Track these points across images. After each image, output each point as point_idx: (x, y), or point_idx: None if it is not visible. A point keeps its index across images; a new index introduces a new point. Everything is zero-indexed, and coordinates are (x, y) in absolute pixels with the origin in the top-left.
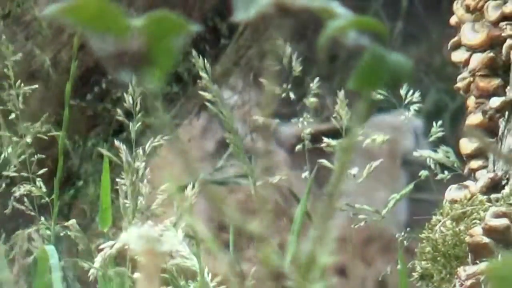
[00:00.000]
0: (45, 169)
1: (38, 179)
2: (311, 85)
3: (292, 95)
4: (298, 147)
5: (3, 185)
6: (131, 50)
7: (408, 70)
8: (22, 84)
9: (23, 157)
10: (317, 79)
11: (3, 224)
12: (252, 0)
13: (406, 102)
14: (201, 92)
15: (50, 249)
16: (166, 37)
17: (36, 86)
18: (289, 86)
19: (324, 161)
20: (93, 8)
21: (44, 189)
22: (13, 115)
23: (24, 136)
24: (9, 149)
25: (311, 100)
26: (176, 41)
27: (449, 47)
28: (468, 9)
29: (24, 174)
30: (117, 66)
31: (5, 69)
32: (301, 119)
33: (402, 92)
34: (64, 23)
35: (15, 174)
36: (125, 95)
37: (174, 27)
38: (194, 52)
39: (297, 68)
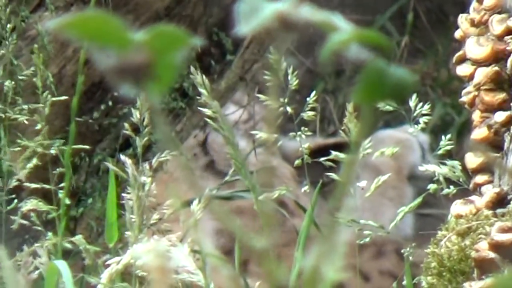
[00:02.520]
0: (52, 184)
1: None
2: (307, 99)
3: (289, 109)
4: (298, 161)
5: (14, 201)
6: (133, 64)
7: (411, 84)
8: (49, 96)
9: (27, 171)
10: (313, 92)
11: (9, 239)
12: (254, 14)
13: (415, 114)
14: (201, 108)
15: (61, 264)
16: (169, 51)
17: (66, 97)
18: (286, 100)
19: (332, 174)
20: (96, 21)
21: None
22: (38, 126)
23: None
24: (15, 164)
25: (308, 114)
26: (179, 55)
27: (453, 61)
28: (472, 23)
29: (30, 187)
30: (119, 81)
31: (19, 82)
32: (299, 133)
33: (411, 104)
34: (67, 37)
35: (19, 186)
36: (132, 109)
37: (177, 41)
38: (192, 68)
39: (293, 82)
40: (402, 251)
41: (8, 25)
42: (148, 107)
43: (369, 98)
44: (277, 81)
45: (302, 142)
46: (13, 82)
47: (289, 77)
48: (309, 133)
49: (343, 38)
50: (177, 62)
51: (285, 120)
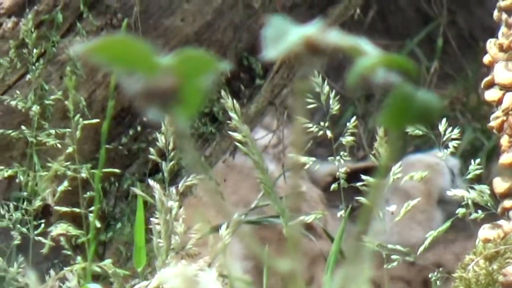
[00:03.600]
0: (82, 208)
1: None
2: (347, 124)
3: (329, 134)
4: (334, 185)
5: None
6: (160, 89)
7: (438, 108)
8: (81, 119)
9: (57, 194)
10: (354, 118)
11: (38, 263)
12: (281, 38)
13: (444, 139)
14: (231, 133)
15: (95, 287)
16: (197, 76)
17: (97, 120)
18: (326, 125)
19: (361, 198)
20: (123, 46)
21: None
22: (70, 149)
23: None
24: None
25: (348, 139)
26: (207, 80)
27: (482, 86)
28: (501, 48)
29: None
30: (146, 105)
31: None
32: (337, 157)
33: (441, 129)
34: (96, 62)
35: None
36: (158, 134)
37: (204, 65)
38: (223, 93)
39: (335, 106)
40: (430, 275)
41: (35, 50)
42: (173, 131)
43: (396, 122)
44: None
45: (335, 166)
46: (38, 107)
47: (331, 102)
48: (348, 158)
49: (370, 62)
50: (204, 86)
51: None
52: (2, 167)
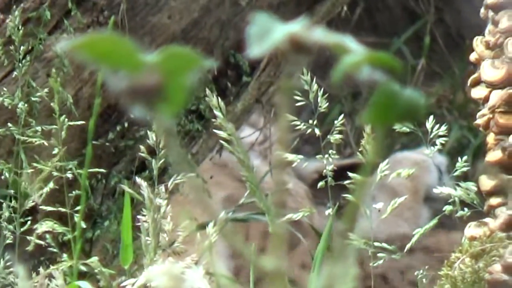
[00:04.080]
0: (67, 207)
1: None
2: (335, 121)
3: (317, 132)
4: (321, 183)
5: (29, 222)
6: (145, 86)
7: (423, 105)
8: (67, 120)
9: (43, 193)
10: (341, 116)
11: (24, 261)
12: (266, 36)
13: (431, 136)
14: (216, 131)
15: (84, 285)
16: (181, 73)
17: (83, 122)
18: (315, 123)
19: (348, 196)
20: (108, 43)
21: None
22: (56, 150)
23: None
24: (31, 186)
25: (335, 137)
26: (191, 77)
27: (469, 84)
28: (488, 46)
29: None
30: (131, 102)
31: (35, 104)
32: (326, 155)
33: (428, 126)
34: (81, 59)
35: (34, 208)
36: (148, 132)
37: (189, 63)
38: (208, 91)
39: (323, 104)
40: (416, 273)
41: (22, 47)
42: (159, 129)
43: (381, 119)
44: (289, 103)
45: (321, 163)
46: (26, 105)
47: (319, 99)
48: (336, 156)
49: (355, 60)
50: (189, 83)
51: (301, 142)
52: None
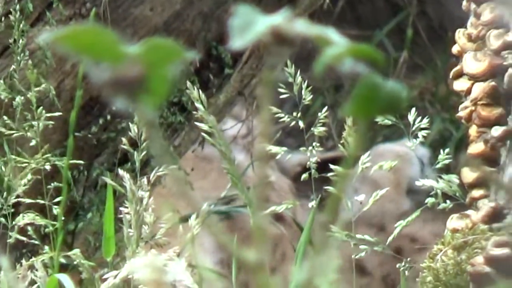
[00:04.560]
0: (49, 199)
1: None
2: (319, 114)
3: (301, 124)
4: (304, 175)
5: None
6: (126, 78)
7: (404, 97)
8: (44, 111)
9: (25, 186)
10: (325, 108)
11: (7, 253)
12: (248, 28)
13: (413, 129)
14: (197, 124)
15: (63, 278)
16: (163, 65)
17: (60, 113)
18: (298, 115)
19: (331, 188)
20: (89, 35)
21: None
22: (33, 142)
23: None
24: (13, 178)
25: (319, 130)
26: (173, 69)
27: (451, 76)
28: (470, 38)
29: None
30: (113, 94)
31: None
32: (310, 148)
33: (410, 118)
34: (63, 51)
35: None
36: (130, 124)
37: (171, 55)
38: (189, 83)
39: (307, 96)
40: (398, 265)
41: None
42: (141, 121)
43: (363, 111)
44: (271, 95)
45: (304, 156)
46: (9, 96)
47: (303, 92)
48: (320, 149)
49: (337, 52)
50: (171, 75)
51: (284, 135)
52: None
